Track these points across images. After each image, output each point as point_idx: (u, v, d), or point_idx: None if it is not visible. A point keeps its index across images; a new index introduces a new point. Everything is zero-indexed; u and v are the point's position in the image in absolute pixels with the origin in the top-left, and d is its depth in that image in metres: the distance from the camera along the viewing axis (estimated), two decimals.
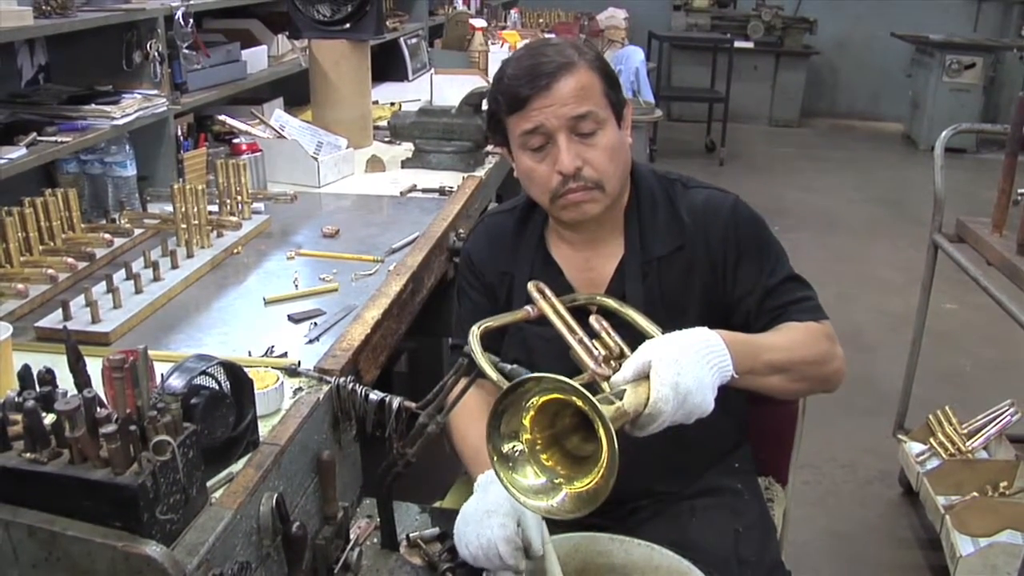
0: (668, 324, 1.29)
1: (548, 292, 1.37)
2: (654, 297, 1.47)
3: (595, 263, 1.52)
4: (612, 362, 1.25)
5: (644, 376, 1.16)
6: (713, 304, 1.47)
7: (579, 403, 1.05)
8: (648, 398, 1.15)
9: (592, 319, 1.33)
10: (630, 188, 1.52)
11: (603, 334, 1.30)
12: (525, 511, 1.26)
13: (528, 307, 1.37)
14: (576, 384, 1.05)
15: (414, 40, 4.68)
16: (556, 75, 1.36)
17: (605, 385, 1.20)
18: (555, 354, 1.42)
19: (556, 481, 1.10)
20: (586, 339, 1.27)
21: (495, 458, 1.10)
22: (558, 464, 1.12)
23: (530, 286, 1.38)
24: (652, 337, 1.26)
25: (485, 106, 1.50)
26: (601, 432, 1.03)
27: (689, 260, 1.48)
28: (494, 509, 1.25)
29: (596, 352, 1.26)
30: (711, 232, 1.47)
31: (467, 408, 1.39)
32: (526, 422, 1.10)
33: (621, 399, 1.14)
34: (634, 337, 1.27)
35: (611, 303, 1.42)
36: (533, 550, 1.24)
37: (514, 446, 1.11)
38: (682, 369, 1.15)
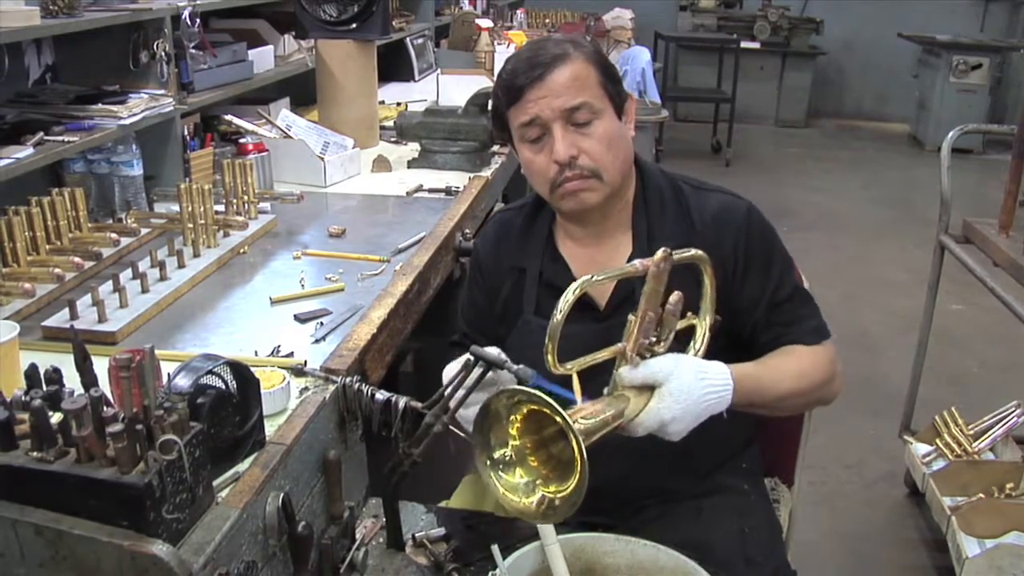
0: None
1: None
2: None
3: (601, 258, 1.52)
4: (647, 352, 1.25)
5: (650, 387, 1.22)
6: (718, 307, 1.47)
7: (555, 418, 1.07)
8: (641, 410, 1.20)
9: (671, 302, 1.27)
10: (637, 184, 1.53)
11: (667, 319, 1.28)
12: None
13: (638, 262, 1.27)
14: (548, 399, 1.07)
15: (420, 40, 4.69)
16: (550, 65, 1.39)
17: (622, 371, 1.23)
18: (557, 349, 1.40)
19: (537, 482, 1.13)
20: (650, 317, 1.24)
21: (487, 463, 1.12)
22: (542, 465, 1.14)
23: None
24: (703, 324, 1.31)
25: (491, 104, 1.51)
26: (575, 447, 1.05)
27: None
28: None
29: (644, 340, 1.25)
30: (724, 237, 1.47)
31: None
32: (513, 431, 1.13)
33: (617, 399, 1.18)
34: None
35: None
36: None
37: (504, 452, 1.14)
38: (680, 411, 1.21)
